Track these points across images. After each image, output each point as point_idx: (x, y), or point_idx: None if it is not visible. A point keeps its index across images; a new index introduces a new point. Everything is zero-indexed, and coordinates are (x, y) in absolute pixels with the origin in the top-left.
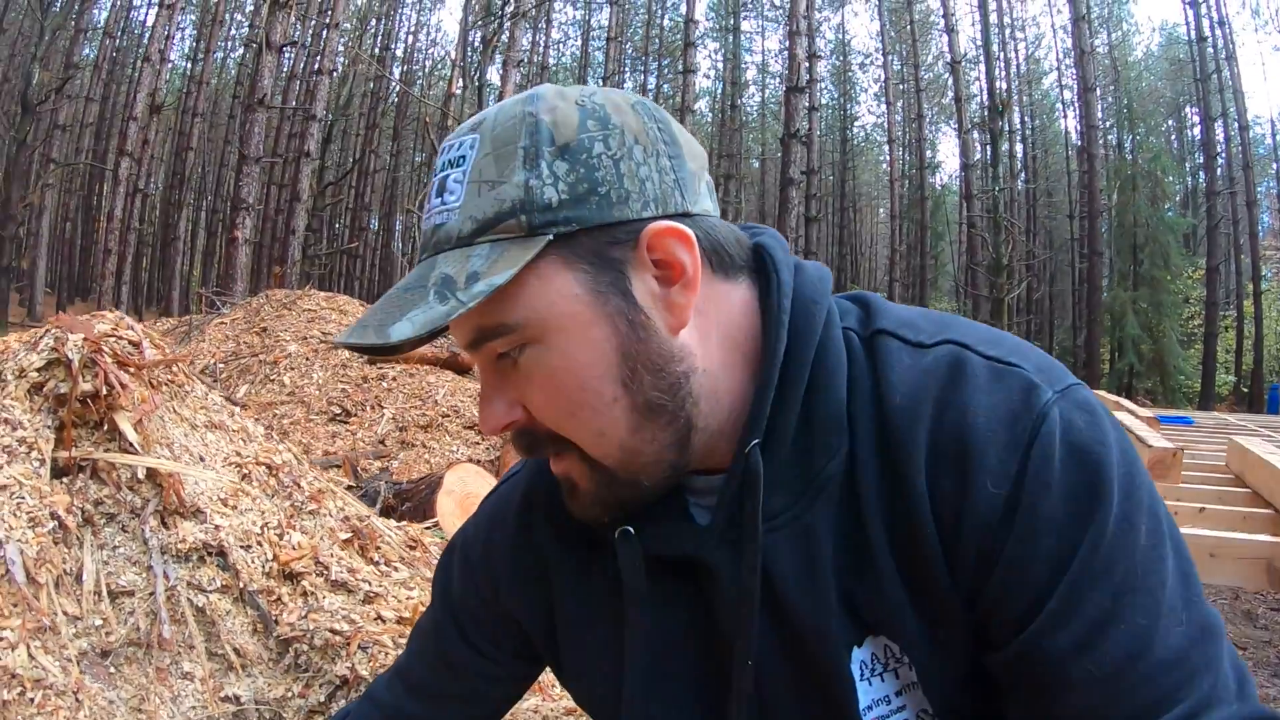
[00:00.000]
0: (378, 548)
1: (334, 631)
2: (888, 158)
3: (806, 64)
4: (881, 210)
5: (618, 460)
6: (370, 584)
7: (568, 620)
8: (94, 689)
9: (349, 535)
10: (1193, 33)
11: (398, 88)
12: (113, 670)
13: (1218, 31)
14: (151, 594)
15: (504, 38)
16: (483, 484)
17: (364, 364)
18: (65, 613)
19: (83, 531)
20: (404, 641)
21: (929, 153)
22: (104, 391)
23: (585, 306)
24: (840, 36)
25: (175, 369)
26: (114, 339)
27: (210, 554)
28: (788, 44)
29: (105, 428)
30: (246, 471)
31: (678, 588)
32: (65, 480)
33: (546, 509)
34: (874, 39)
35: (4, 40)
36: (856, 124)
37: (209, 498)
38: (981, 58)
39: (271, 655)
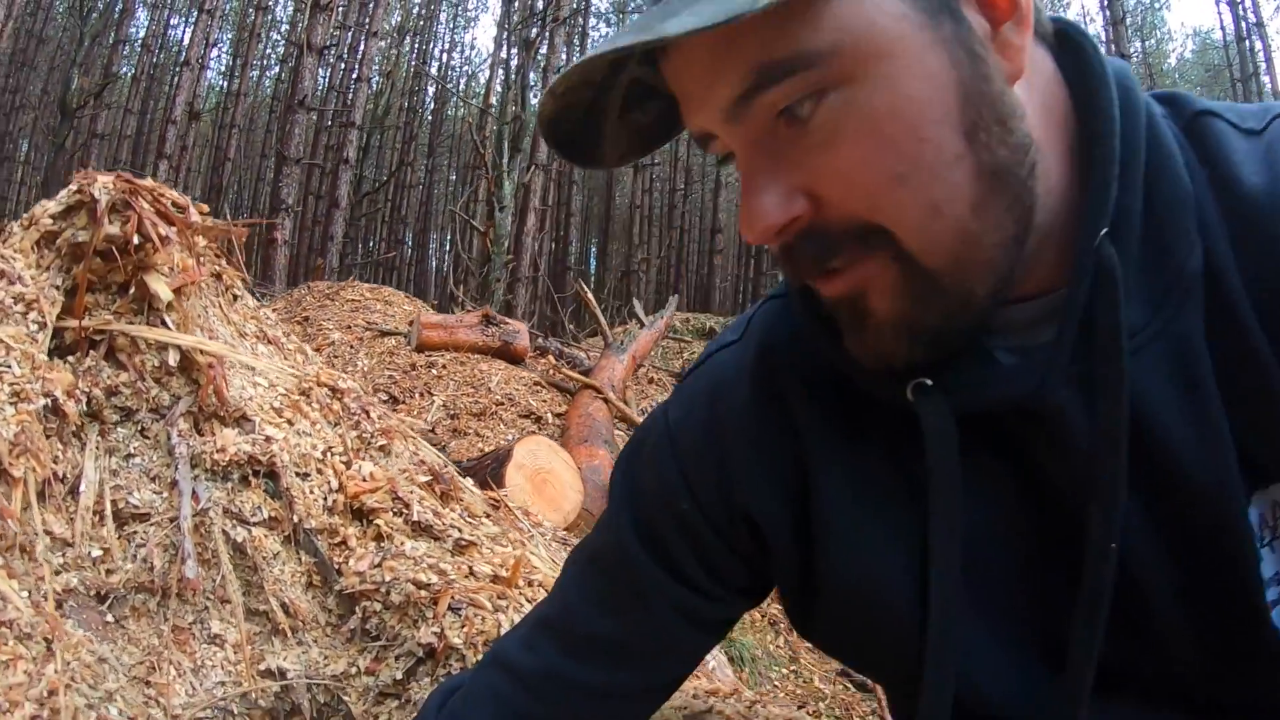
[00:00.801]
0: (459, 499)
1: (419, 585)
2: None
3: None
4: None
5: (950, 254)
6: (460, 531)
7: (832, 510)
8: (78, 638)
9: (428, 478)
10: (1229, 35)
11: (433, 99)
12: (111, 621)
13: (1254, 34)
14: (173, 520)
15: (543, 49)
16: (555, 459)
17: (411, 352)
18: (50, 533)
19: (87, 427)
20: (506, 606)
21: None
22: (135, 243)
23: (916, 28)
24: None
25: (225, 267)
26: (154, 193)
27: (257, 474)
28: None
29: (132, 293)
30: (307, 388)
31: (993, 453)
32: (71, 359)
33: (794, 365)
34: None
35: (44, 52)
36: None
37: (259, 404)
38: None
39: (331, 616)
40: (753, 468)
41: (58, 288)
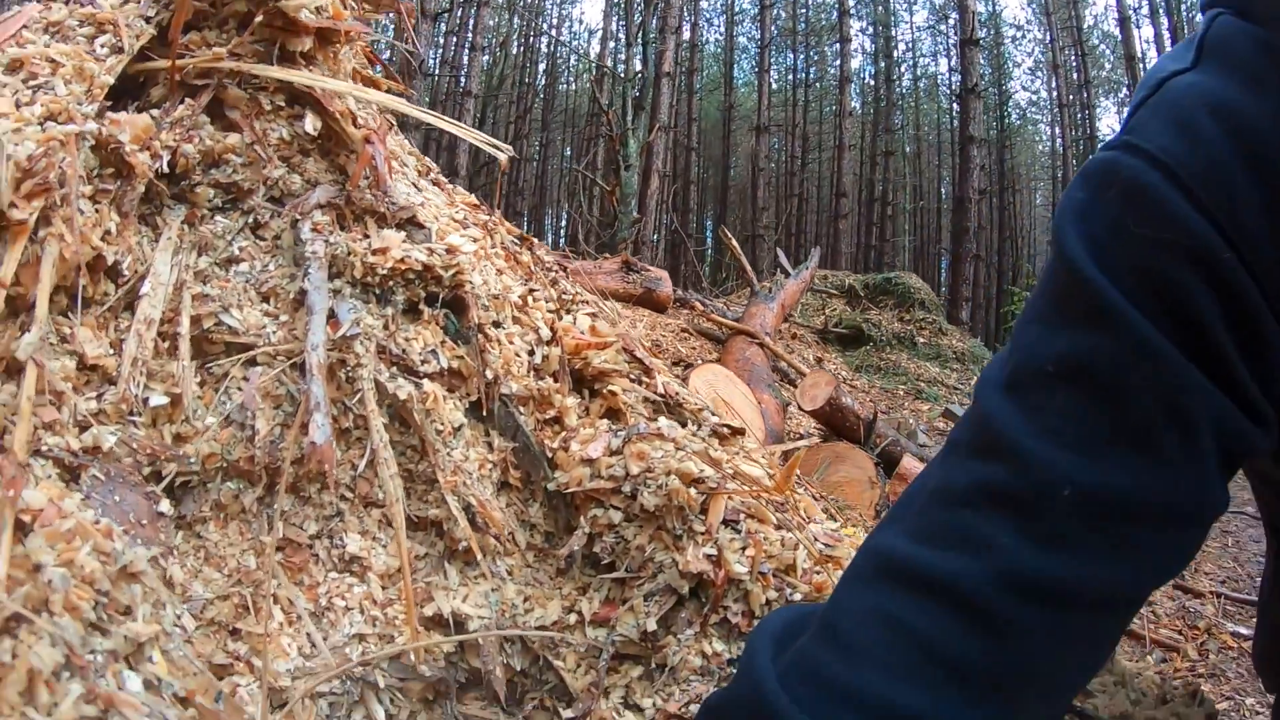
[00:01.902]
0: (681, 402)
1: (686, 480)
2: (1047, 135)
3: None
4: (1039, 195)
5: None
6: (717, 414)
7: None
8: (77, 522)
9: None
10: None
11: (545, 75)
12: (171, 517)
13: None
14: (295, 358)
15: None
16: (735, 391)
17: None
18: (78, 355)
19: (167, 212)
20: (791, 522)
21: (1097, 124)
22: None
23: None
24: (991, 8)
25: (381, 79)
26: None
27: (433, 301)
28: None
29: (257, 26)
30: (491, 226)
31: None
32: (159, 109)
33: None
34: (1025, 9)
35: None
36: (1010, 101)
37: (434, 213)
38: (1148, 14)
39: (536, 533)
40: None
41: (148, 19)
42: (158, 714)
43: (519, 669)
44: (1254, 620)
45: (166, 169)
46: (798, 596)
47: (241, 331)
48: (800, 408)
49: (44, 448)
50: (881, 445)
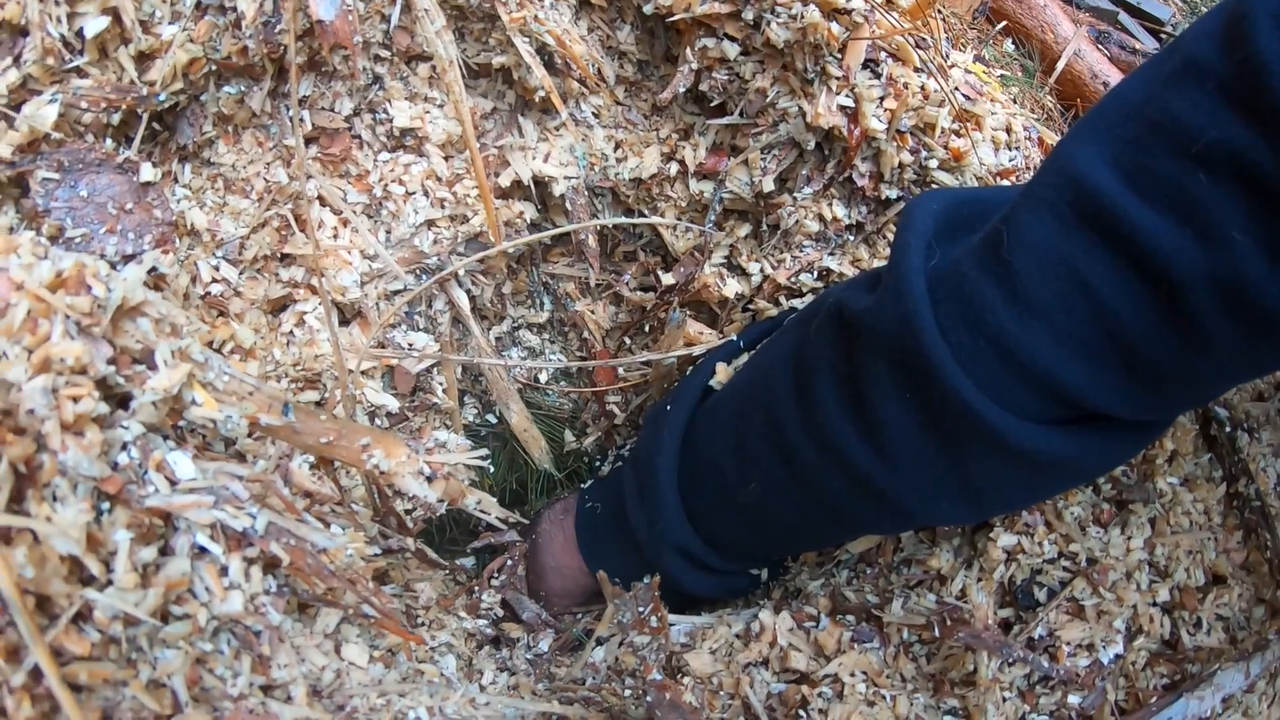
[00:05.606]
0: None
1: (827, 9)
2: None
3: None
4: None
5: None
6: None
7: None
8: (39, 296)
9: None
10: None
11: None
12: (152, 177)
13: None
14: None
15: None
16: None
17: None
18: None
19: None
20: (930, 64)
21: None
22: None
23: None
24: None
25: None
26: None
27: None
28: None
29: None
30: None
31: None
32: None
33: None
34: None
35: None
36: None
37: None
38: None
39: (628, 64)
40: None
41: None
42: (222, 491)
43: (611, 226)
44: None
45: None
46: (933, 163)
47: None
48: None
49: None
50: None
